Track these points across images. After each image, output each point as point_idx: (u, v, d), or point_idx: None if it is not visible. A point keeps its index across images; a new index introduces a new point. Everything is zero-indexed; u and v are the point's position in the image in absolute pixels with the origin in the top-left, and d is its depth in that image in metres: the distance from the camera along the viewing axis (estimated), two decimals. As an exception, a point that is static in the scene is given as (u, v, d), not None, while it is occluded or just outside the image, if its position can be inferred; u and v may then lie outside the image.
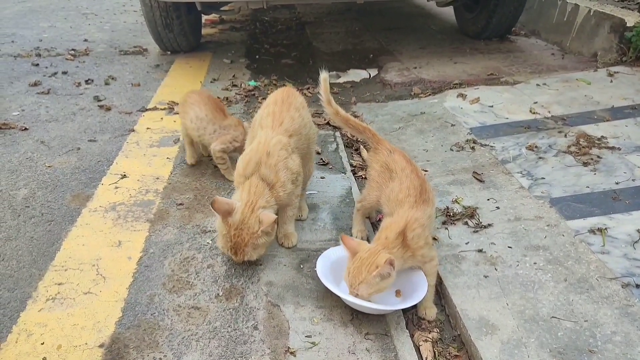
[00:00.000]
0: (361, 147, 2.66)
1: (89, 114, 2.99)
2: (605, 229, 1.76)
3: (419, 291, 1.53)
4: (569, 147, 2.32)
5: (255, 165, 1.68)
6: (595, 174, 2.10)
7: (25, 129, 2.74)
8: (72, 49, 4.30)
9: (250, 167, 1.69)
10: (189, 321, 1.50)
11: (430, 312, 1.57)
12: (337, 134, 2.80)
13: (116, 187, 2.20)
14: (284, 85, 3.55)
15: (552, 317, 1.45)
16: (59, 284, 1.63)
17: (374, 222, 2.00)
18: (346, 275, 1.49)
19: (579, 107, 2.75)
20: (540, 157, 2.27)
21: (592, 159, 2.20)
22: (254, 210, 1.61)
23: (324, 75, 1.79)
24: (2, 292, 1.59)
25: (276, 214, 1.67)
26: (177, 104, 3.07)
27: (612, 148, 2.27)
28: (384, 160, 1.76)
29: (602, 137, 2.37)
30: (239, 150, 2.23)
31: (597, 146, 2.30)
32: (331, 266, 1.62)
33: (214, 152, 2.22)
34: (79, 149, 2.54)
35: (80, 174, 2.30)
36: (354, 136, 2.75)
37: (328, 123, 2.95)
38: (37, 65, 3.87)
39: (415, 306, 1.60)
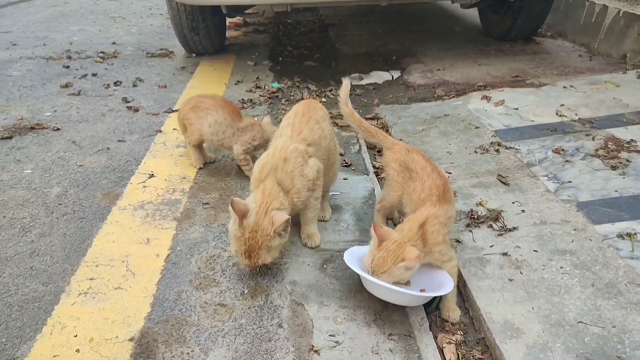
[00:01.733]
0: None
1: (117, 114, 3.07)
2: (635, 234, 1.73)
3: (446, 286, 1.53)
4: (596, 150, 2.28)
5: (270, 170, 1.71)
6: (624, 177, 2.06)
7: (58, 129, 2.83)
8: (101, 52, 4.42)
9: (266, 171, 1.72)
10: (215, 318, 1.54)
11: (454, 314, 1.57)
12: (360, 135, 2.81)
13: (144, 186, 2.25)
14: (307, 87, 3.58)
15: (579, 322, 1.43)
16: (91, 279, 1.68)
17: (397, 223, 2.01)
18: (369, 261, 1.49)
19: (607, 110, 2.70)
20: (567, 161, 2.24)
21: (620, 162, 2.16)
22: (267, 212, 1.61)
23: (346, 81, 1.93)
24: (37, 286, 1.66)
25: (290, 216, 1.68)
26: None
27: (642, 152, 2.22)
28: (403, 159, 1.77)
29: (632, 140, 2.32)
30: (259, 148, 2.28)
31: (626, 149, 2.25)
32: (357, 260, 1.63)
33: (237, 154, 2.27)
34: (108, 148, 2.62)
35: (110, 173, 2.37)
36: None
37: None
38: (68, 67, 3.99)
39: (438, 308, 1.61)
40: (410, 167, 1.73)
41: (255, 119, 2.45)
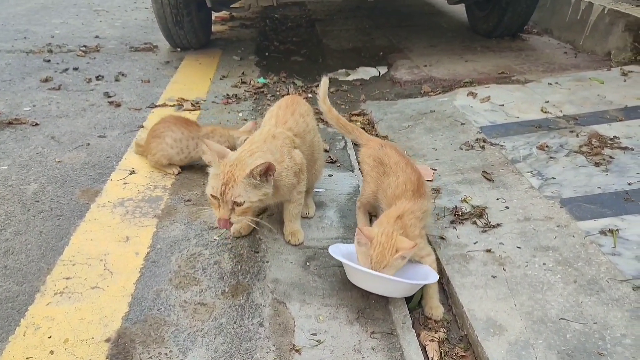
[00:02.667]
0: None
1: (99, 110, 3.01)
2: (617, 230, 1.73)
3: (431, 277, 1.54)
4: (580, 147, 2.28)
5: (257, 144, 1.64)
6: (607, 174, 2.06)
7: (36, 124, 2.77)
8: (84, 46, 4.33)
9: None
10: (195, 317, 1.51)
11: (437, 311, 1.56)
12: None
13: (125, 183, 2.21)
14: (293, 83, 3.55)
15: (561, 318, 1.43)
16: (67, 279, 1.64)
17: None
18: (368, 262, 1.48)
19: (592, 107, 2.71)
20: (551, 157, 2.24)
21: (604, 159, 2.17)
22: (252, 154, 1.56)
23: (324, 79, 1.94)
24: (11, 286, 1.61)
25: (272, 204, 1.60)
26: (186, 100, 3.09)
27: (625, 148, 2.23)
28: (377, 154, 1.78)
29: (615, 137, 2.33)
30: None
31: (610, 146, 2.26)
32: (342, 256, 1.60)
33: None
34: (88, 144, 2.56)
35: (90, 170, 2.32)
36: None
37: (337, 121, 2.93)
38: (49, 61, 3.90)
39: (420, 305, 1.60)
40: (384, 162, 1.75)
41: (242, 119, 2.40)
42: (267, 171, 1.52)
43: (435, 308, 1.56)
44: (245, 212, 1.54)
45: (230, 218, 1.52)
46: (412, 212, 1.57)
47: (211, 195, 1.53)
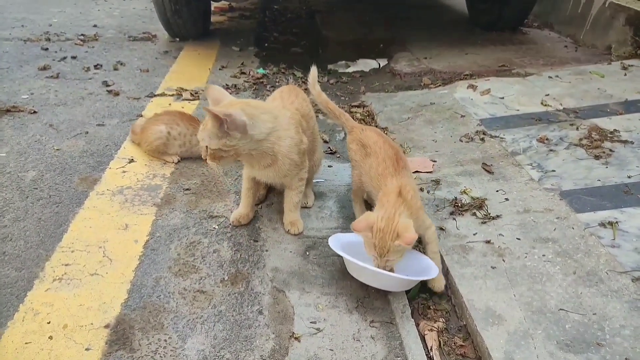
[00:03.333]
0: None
1: (97, 98, 2.99)
2: (616, 222, 1.73)
3: (432, 271, 1.55)
4: (580, 140, 2.28)
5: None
6: (607, 167, 2.06)
7: (34, 112, 2.74)
8: (82, 34, 4.30)
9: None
10: (194, 304, 1.50)
11: (439, 283, 1.58)
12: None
13: (124, 171, 2.20)
14: (292, 74, 3.53)
15: (560, 309, 1.43)
16: (66, 265, 1.63)
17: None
18: (371, 251, 1.48)
19: (592, 100, 2.71)
20: (551, 150, 2.24)
21: (604, 152, 2.17)
22: (232, 106, 1.53)
23: (313, 68, 1.94)
24: (10, 272, 1.60)
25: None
26: (185, 90, 3.07)
27: (625, 142, 2.23)
28: (358, 137, 1.82)
29: (615, 130, 2.33)
30: None
31: (610, 139, 2.26)
32: (341, 246, 1.61)
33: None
34: (87, 132, 2.55)
35: (88, 158, 2.31)
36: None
37: (336, 112, 2.93)
38: (47, 49, 3.87)
39: (419, 295, 1.60)
40: (365, 144, 1.77)
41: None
42: (220, 122, 1.46)
43: (437, 281, 1.58)
44: (214, 157, 1.54)
45: (206, 159, 1.56)
46: (408, 184, 1.57)
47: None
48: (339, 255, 1.71)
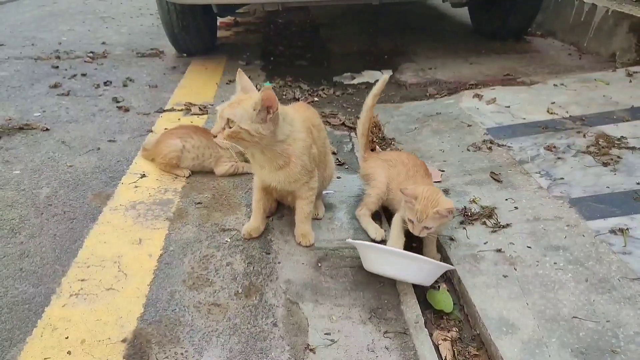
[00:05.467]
0: (377, 147, 2.66)
1: (108, 115, 3.04)
2: (627, 229, 1.74)
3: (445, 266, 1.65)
4: (588, 147, 2.29)
5: None
6: (615, 174, 2.07)
7: (47, 129, 2.79)
8: (91, 52, 4.37)
9: None
10: (210, 317, 1.52)
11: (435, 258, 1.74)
12: (353, 134, 2.80)
13: (136, 187, 2.23)
14: (299, 87, 3.57)
15: (574, 317, 1.43)
16: (82, 280, 1.66)
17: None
18: (412, 215, 1.64)
19: (598, 108, 2.72)
20: (558, 158, 2.25)
21: (612, 159, 2.17)
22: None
23: (385, 76, 2.15)
24: (27, 288, 1.63)
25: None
26: (193, 105, 3.11)
27: (633, 148, 2.24)
28: (377, 157, 2.09)
29: (622, 137, 2.34)
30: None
31: (617, 146, 2.27)
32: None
33: (223, 173, 2.34)
34: (99, 149, 2.59)
35: (101, 174, 2.34)
36: (368, 137, 2.80)
37: (343, 124, 2.96)
38: (57, 67, 3.94)
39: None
40: (386, 159, 2.07)
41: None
42: (268, 105, 1.51)
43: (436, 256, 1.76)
44: (232, 136, 1.53)
45: (217, 136, 1.54)
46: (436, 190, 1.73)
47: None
48: (351, 267, 1.73)
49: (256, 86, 3.58)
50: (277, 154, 1.64)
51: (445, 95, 3.22)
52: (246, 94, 1.61)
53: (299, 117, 1.71)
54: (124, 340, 1.43)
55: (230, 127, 1.52)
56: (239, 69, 1.67)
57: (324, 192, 2.12)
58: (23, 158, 2.47)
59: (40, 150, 2.56)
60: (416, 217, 1.63)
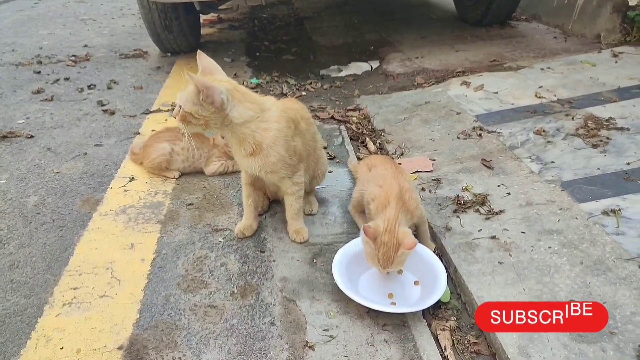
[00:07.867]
0: (367, 139, 2.65)
1: (93, 118, 2.99)
2: (619, 209, 1.74)
3: (439, 280, 1.55)
4: (577, 129, 2.30)
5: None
6: (605, 155, 2.08)
7: (31, 136, 2.74)
8: (73, 55, 4.30)
9: None
10: (206, 320, 1.50)
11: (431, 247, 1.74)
12: (343, 127, 2.79)
13: (125, 190, 2.20)
14: (286, 81, 3.54)
15: (570, 300, 1.43)
16: (75, 289, 1.63)
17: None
18: (375, 261, 1.53)
19: (585, 89, 2.73)
20: (548, 141, 2.25)
21: (601, 140, 2.18)
22: (229, 82, 1.61)
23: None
24: (19, 299, 1.60)
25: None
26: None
27: (621, 129, 2.25)
28: (363, 164, 2.04)
29: (610, 118, 2.35)
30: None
31: (606, 127, 2.28)
32: (348, 263, 1.64)
33: (213, 172, 2.32)
34: (85, 154, 2.55)
35: (89, 179, 2.31)
36: (358, 129, 2.78)
37: (332, 117, 2.94)
38: (39, 72, 3.87)
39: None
40: (369, 164, 1.99)
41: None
42: (198, 91, 1.52)
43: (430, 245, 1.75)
44: (184, 119, 1.58)
45: (175, 117, 1.61)
46: (408, 190, 1.66)
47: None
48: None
49: (242, 83, 3.56)
50: (242, 139, 1.62)
51: (433, 83, 3.21)
52: (211, 76, 1.61)
53: (278, 107, 1.68)
54: (120, 348, 1.41)
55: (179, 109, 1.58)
56: (199, 50, 1.65)
57: (316, 187, 2.10)
58: (8, 167, 2.43)
59: (26, 158, 2.51)
60: (380, 265, 1.52)
